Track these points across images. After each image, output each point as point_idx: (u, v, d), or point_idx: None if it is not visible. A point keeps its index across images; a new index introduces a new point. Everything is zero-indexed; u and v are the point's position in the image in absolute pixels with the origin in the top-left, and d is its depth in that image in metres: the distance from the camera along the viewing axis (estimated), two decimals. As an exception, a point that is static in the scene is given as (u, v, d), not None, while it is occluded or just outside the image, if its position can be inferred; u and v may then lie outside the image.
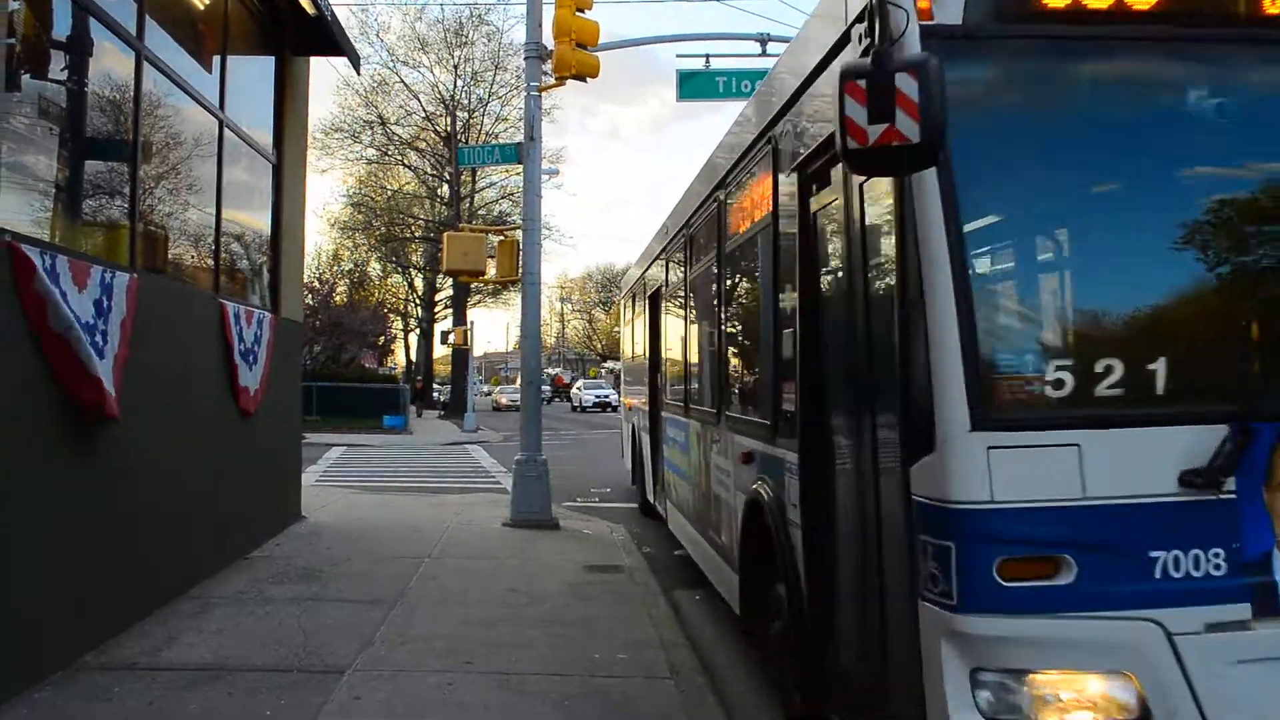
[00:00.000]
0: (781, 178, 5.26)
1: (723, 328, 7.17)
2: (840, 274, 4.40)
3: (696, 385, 8.46)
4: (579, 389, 59.03)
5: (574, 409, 55.50)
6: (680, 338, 9.43)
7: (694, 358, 8.70)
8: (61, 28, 6.19)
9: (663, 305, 10.73)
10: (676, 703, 5.36)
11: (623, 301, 16.40)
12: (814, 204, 4.76)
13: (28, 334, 5.24)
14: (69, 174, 6.42)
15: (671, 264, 9.94)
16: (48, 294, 5.24)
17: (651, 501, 11.91)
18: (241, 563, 8.48)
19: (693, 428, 8.33)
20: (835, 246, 4.48)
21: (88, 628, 5.90)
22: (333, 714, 5.00)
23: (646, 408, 12.01)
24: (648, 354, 11.97)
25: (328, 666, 5.68)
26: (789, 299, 5.10)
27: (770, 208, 5.46)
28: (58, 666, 5.46)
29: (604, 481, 17.24)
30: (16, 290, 5.09)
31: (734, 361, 7.11)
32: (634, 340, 14.03)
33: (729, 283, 7.15)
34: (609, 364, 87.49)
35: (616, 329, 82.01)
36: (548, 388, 68.87)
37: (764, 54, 13.75)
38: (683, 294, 9.18)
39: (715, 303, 7.37)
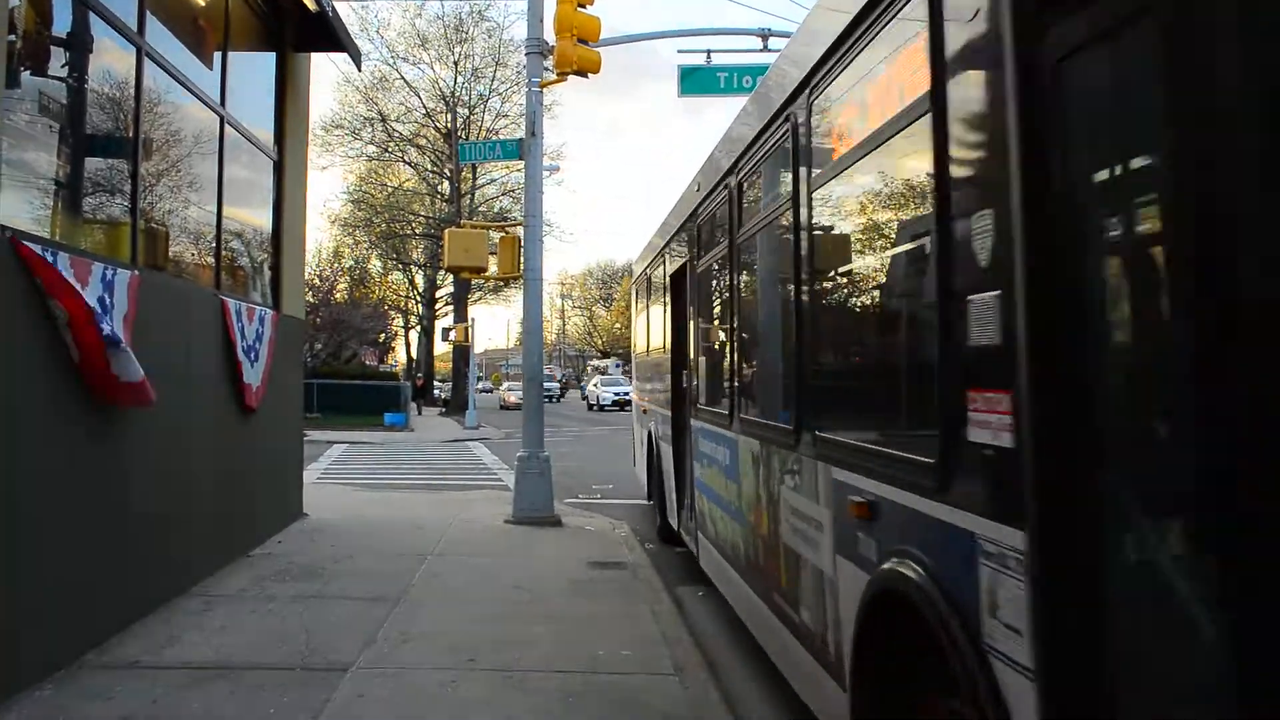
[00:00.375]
0: (953, 28, 3.03)
1: (806, 301, 4.66)
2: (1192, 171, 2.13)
3: (753, 387, 6.39)
4: (595, 385, 55.61)
5: (590, 408, 52.93)
6: (723, 322, 7.25)
7: (748, 348, 6.58)
8: (62, 23, 6.17)
9: (692, 283, 8.41)
10: (681, 699, 5.34)
11: (634, 287, 14.19)
12: (1065, 34, 2.51)
13: (33, 329, 5.24)
14: (70, 171, 6.40)
15: (708, 228, 7.72)
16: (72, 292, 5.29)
17: (675, 528, 9.77)
18: (244, 560, 8.46)
19: (745, 446, 6.11)
20: (1159, 119, 2.24)
21: (90, 626, 5.89)
22: (336, 712, 4.98)
23: (668, 412, 9.79)
24: (669, 346, 9.76)
25: (331, 664, 5.66)
26: (985, 238, 2.81)
27: (929, 87, 3.17)
28: (60, 665, 5.44)
29: (606, 478, 17.23)
30: (35, 286, 5.10)
31: (833, 352, 4.77)
32: (649, 331, 11.92)
33: (821, 233, 4.65)
34: (596, 362, 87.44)
35: (618, 325, 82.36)
36: (556, 384, 68.52)
37: (765, 49, 13.73)
38: (727, 263, 6.74)
39: (792, 266, 4.84)
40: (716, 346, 7.57)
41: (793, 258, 4.83)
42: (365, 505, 12.68)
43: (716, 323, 7.64)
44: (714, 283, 7.64)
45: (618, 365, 78.53)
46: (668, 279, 9.83)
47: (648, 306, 12.03)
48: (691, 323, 8.51)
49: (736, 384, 6.58)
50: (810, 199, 4.61)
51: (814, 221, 4.62)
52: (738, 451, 6.33)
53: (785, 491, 5.06)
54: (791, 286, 4.87)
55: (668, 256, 9.92)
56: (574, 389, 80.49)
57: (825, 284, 4.78)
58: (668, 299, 9.86)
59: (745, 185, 6.33)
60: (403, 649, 6.05)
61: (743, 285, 6.61)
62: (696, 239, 8.13)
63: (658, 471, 10.90)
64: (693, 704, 5.28)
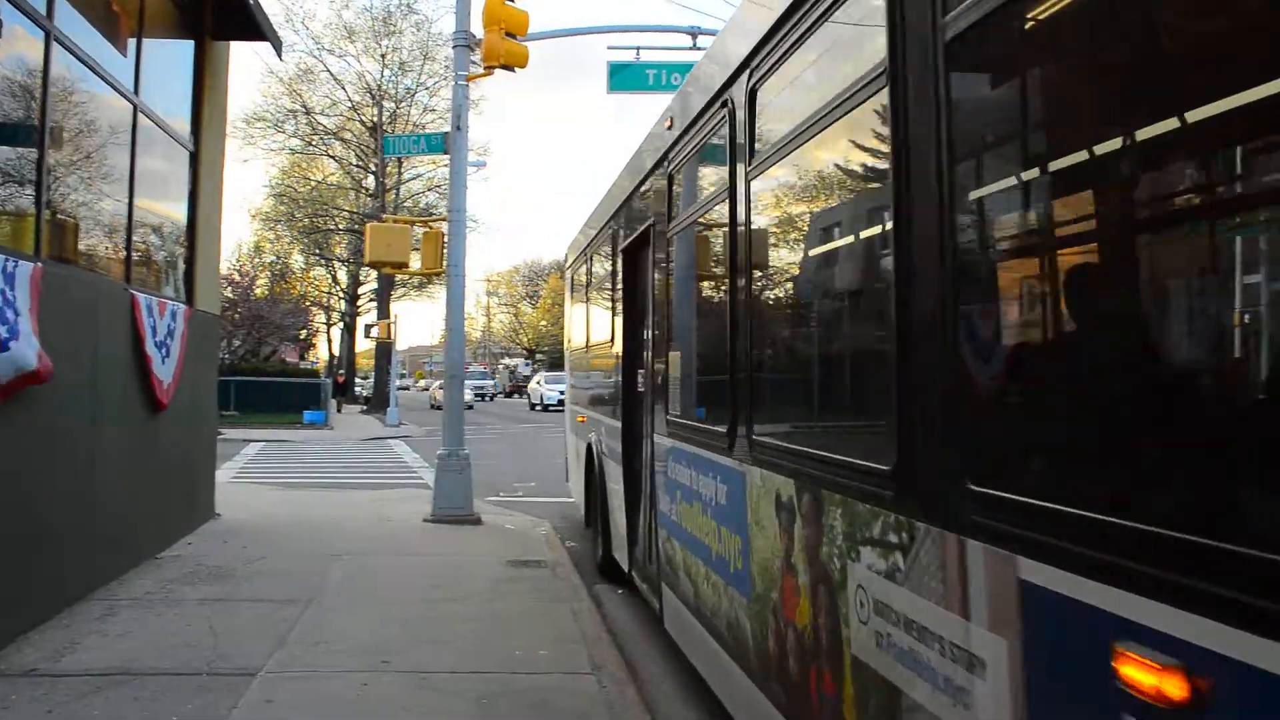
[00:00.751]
0: None
1: (942, 233, 2.62)
2: None
3: (782, 392, 4.40)
4: (539, 383, 51.43)
5: (533, 407, 49.83)
6: (717, 300, 5.16)
7: (771, 334, 4.54)
8: (-37, 5, 5.94)
9: (659, 253, 6.44)
10: (599, 699, 5.31)
11: (569, 273, 12.41)
12: None
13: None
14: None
15: (690, 172, 5.78)
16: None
17: (625, 569, 7.93)
18: (151, 563, 8.23)
19: (762, 486, 4.10)
20: None
21: (-15, 631, 5.67)
22: (243, 718, 4.86)
23: (617, 422, 7.90)
24: (620, 339, 7.92)
25: (238, 669, 5.52)
26: None
27: None
28: (-48, 671, 5.24)
29: (528, 476, 17.15)
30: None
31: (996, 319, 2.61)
32: (590, 321, 10.08)
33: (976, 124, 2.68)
34: (507, 360, 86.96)
35: (544, 322, 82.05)
36: (491, 382, 67.63)
37: (694, 47, 13.79)
38: (728, 214, 4.61)
39: (903, 185, 2.83)
40: (704, 335, 5.68)
41: (929, 163, 2.64)
42: (280, 505, 12.45)
43: (704, 302, 5.71)
44: (700, 246, 5.74)
45: (527, 364, 78.45)
46: (619, 254, 8.00)
47: (588, 292, 10.29)
48: (656, 307, 6.59)
49: (746, 387, 4.43)
50: (947, 46, 2.54)
51: (950, 81, 2.57)
52: (746, 491, 4.35)
53: (866, 575, 3.05)
54: (901, 217, 2.82)
55: (620, 226, 8.05)
56: None
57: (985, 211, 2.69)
58: (619, 280, 8.06)
59: (768, 90, 4.21)
60: (314, 651, 5.93)
61: (758, 241, 4.45)
62: (667, 194, 6.17)
63: (600, 494, 8.96)
64: (610, 704, 5.25)
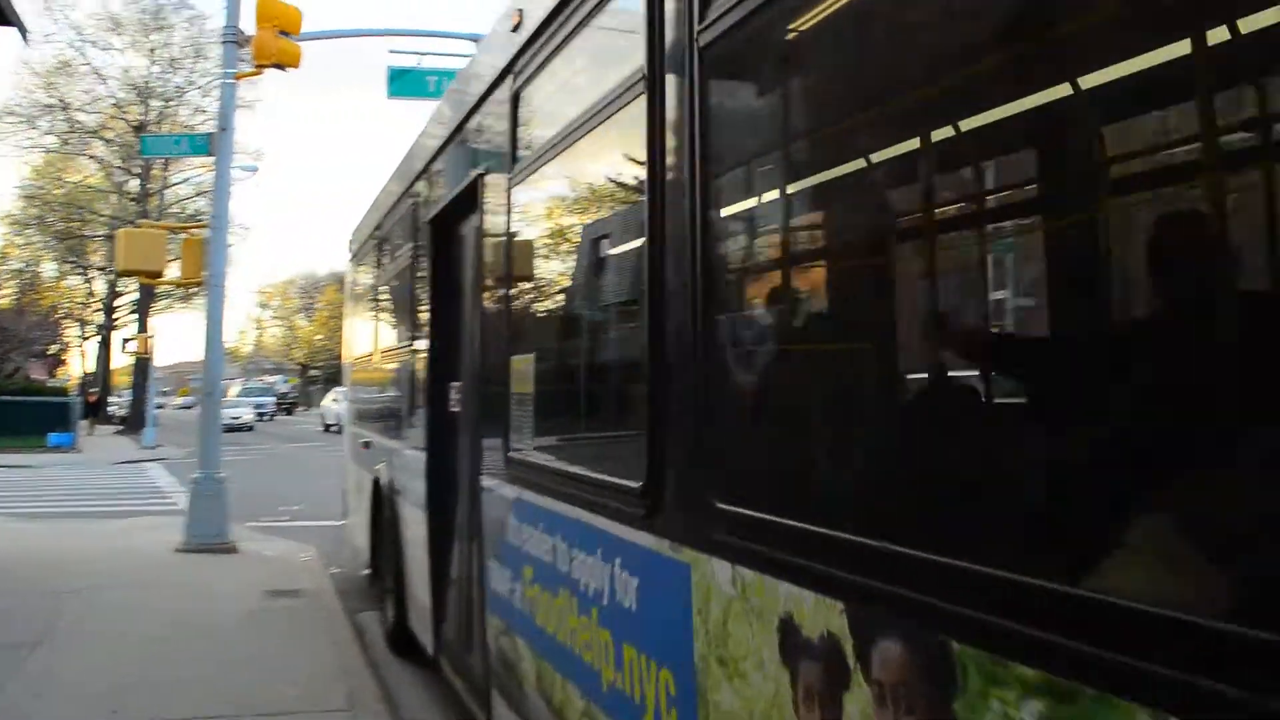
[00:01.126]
0: None
1: None
2: None
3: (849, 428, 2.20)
4: (333, 400, 41.80)
5: (327, 428, 42.97)
6: (630, 268, 3.19)
7: (779, 317, 2.43)
8: None
9: (496, 214, 4.46)
10: (351, 737, 5.08)
11: (353, 263, 10.41)
12: None
13: None
14: None
15: (570, 73, 3.73)
16: None
17: (431, 653, 5.89)
18: None
19: (746, 603, 2.12)
20: None
21: None
22: (-61, 780, 4.36)
23: (420, 454, 5.90)
24: (427, 342, 5.96)
25: (-60, 726, 4.97)
26: None
27: None
28: None
29: (295, 499, 16.40)
30: None
31: None
32: (380, 322, 8.44)
33: None
34: (267, 378, 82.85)
35: (319, 336, 79.23)
36: (272, 399, 63.79)
37: (476, 56, 13.79)
38: (644, 123, 2.76)
39: None
40: (592, 324, 3.88)
41: None
42: (10, 537, 11.47)
43: (589, 271, 3.80)
44: (572, 185, 3.83)
45: (284, 380, 75.69)
46: (427, 227, 6.08)
47: (379, 286, 8.45)
48: (489, 292, 4.68)
49: (694, 405, 2.46)
50: None
51: None
52: (692, 597, 2.39)
53: None
54: None
55: (428, 190, 6.28)
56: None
57: None
58: (426, 262, 6.11)
59: None
60: (36, 703, 5.41)
61: (717, 145, 2.51)
62: (512, 123, 4.22)
63: (394, 546, 6.94)
64: (363, 741, 5.03)
